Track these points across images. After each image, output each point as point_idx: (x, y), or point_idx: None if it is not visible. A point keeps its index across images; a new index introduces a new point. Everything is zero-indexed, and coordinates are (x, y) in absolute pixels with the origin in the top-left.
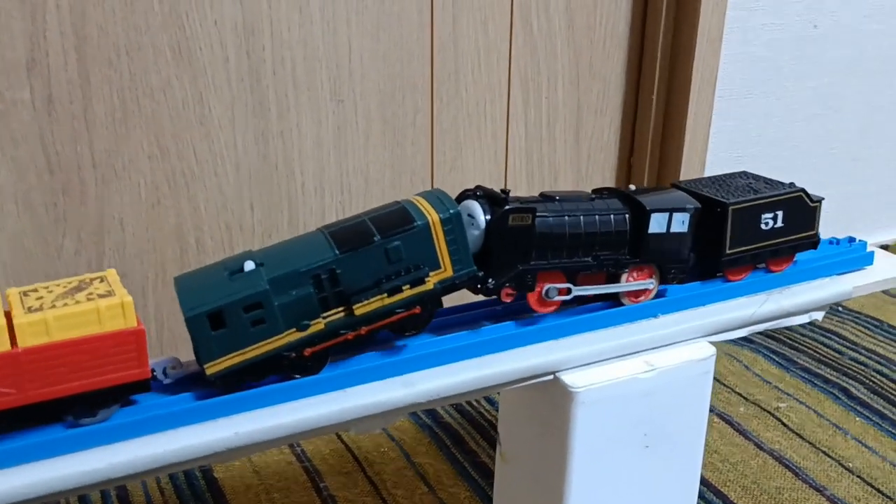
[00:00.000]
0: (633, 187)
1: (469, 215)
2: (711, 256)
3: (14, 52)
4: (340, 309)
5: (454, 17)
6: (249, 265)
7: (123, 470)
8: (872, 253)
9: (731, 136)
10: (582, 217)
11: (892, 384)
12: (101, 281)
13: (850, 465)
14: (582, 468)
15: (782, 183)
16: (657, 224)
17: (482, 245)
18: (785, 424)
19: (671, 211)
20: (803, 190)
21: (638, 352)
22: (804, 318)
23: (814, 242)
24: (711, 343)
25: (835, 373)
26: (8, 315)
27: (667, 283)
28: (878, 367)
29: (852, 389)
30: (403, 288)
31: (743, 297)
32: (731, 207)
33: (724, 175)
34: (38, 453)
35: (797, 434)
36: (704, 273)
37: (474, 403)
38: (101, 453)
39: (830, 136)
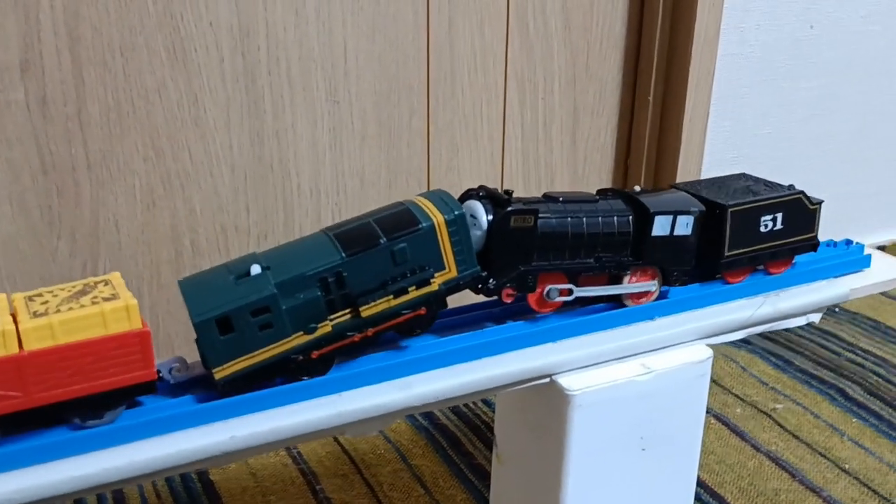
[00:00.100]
0: (637, 188)
1: (471, 216)
2: (710, 258)
3: (7, 53)
4: (347, 311)
5: (450, 18)
6: (256, 269)
7: (130, 472)
8: (870, 256)
9: (727, 137)
10: (585, 218)
11: (889, 385)
12: (106, 284)
13: (847, 466)
14: (578, 471)
15: (782, 185)
16: (661, 227)
17: (484, 245)
18: (782, 426)
19: (675, 213)
20: (803, 192)
21: (635, 354)
22: (801, 321)
23: (813, 245)
24: (708, 345)
25: (832, 374)
26: (14, 319)
27: (669, 285)
28: (875, 368)
29: (849, 391)
30: (409, 289)
31: (740, 300)
32: (730, 209)
33: (724, 177)
34: (45, 455)
35: (794, 435)
36: (703, 275)
37: (471, 405)
38: (108, 455)
39: (827, 136)
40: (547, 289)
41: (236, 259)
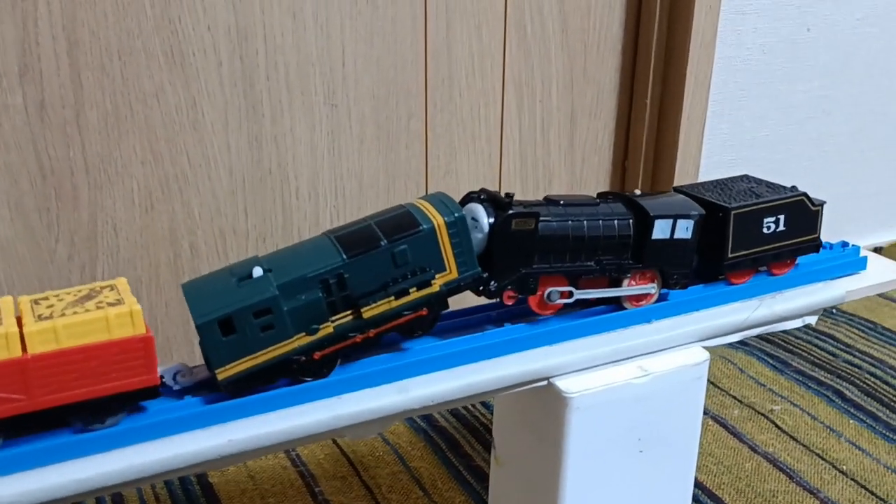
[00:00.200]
0: (638, 192)
1: (473, 218)
2: (713, 260)
3: (6, 58)
4: (348, 312)
5: (448, 21)
6: (258, 271)
7: (130, 475)
8: (865, 258)
9: (724, 140)
10: (585, 222)
11: (885, 387)
12: (111, 289)
13: (844, 467)
14: (576, 473)
15: (784, 187)
16: (661, 230)
17: (485, 248)
18: (779, 427)
19: (675, 217)
20: (805, 194)
21: (632, 357)
22: (798, 323)
23: (815, 246)
24: (705, 347)
25: (829, 375)
26: (19, 322)
27: (669, 288)
28: (872, 369)
29: (846, 392)
30: (410, 291)
31: (736, 303)
32: (733, 212)
33: (726, 179)
34: (48, 458)
35: (791, 437)
36: (706, 276)
37: (470, 408)
38: (110, 458)
39: (823, 138)
40: (548, 291)
41: (238, 262)
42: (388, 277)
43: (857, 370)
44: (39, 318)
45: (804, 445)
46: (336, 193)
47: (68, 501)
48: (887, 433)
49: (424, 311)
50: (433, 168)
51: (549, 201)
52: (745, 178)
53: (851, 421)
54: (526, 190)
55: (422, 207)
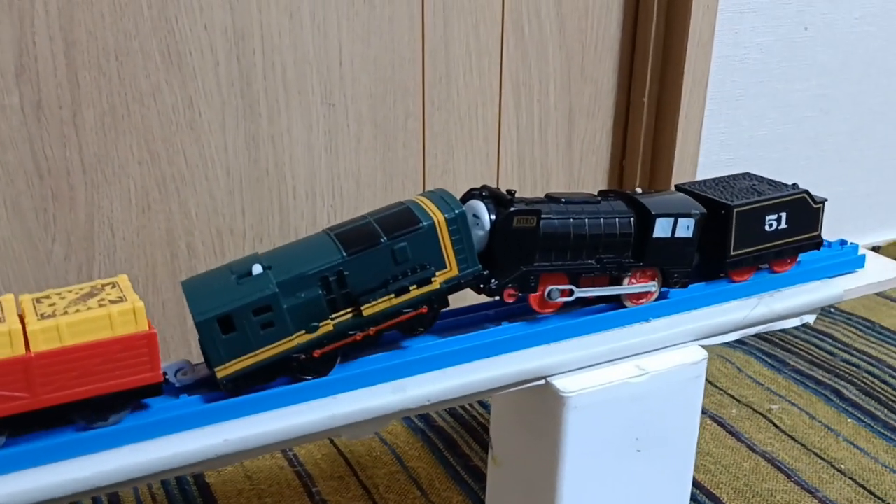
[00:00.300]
0: (639, 190)
1: (474, 215)
2: (716, 258)
3: (2, 58)
4: (348, 310)
5: (445, 20)
6: (257, 269)
7: (126, 474)
8: (864, 256)
9: (722, 139)
10: (587, 220)
11: (883, 385)
12: (113, 287)
13: (843, 466)
14: (573, 472)
15: (785, 184)
16: (662, 229)
17: (486, 245)
18: (777, 426)
19: (676, 216)
20: (806, 191)
21: (629, 356)
22: (796, 321)
23: (817, 243)
24: (703, 346)
25: (827, 374)
26: (21, 320)
27: (669, 286)
28: (870, 368)
29: (844, 391)
30: (410, 288)
31: (734, 301)
32: (735, 209)
33: (728, 176)
34: (51, 456)
35: (789, 436)
36: (709, 274)
37: (467, 407)
38: (113, 456)
39: (821, 138)
40: (548, 289)
41: (238, 260)
42: (389, 275)
43: (855, 369)
44: (42, 316)
45: (802, 445)
46: (333, 193)
47: (65, 501)
48: (885, 432)
49: (425, 309)
50: (431, 167)
51: (551, 199)
52: (747, 176)
53: (850, 420)
54: (524, 189)
55: (422, 204)
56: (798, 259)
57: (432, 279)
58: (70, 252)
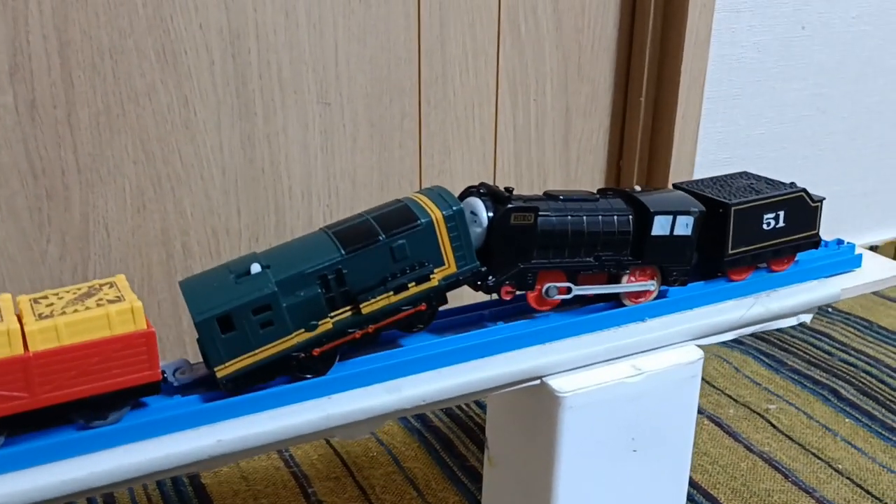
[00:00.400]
0: (638, 188)
1: (472, 212)
2: (714, 257)
3: None
4: (347, 308)
5: (441, 20)
6: (256, 268)
7: (121, 475)
8: (861, 256)
9: (719, 138)
10: (585, 217)
11: (881, 385)
12: (111, 287)
13: (840, 466)
14: (569, 472)
15: (783, 183)
16: (660, 226)
17: (484, 242)
18: (775, 426)
19: (675, 214)
20: (804, 190)
21: (625, 356)
22: (792, 321)
23: (815, 242)
24: (700, 346)
25: (824, 374)
26: (19, 320)
27: (668, 285)
28: (868, 368)
29: (842, 391)
30: (409, 285)
31: (731, 300)
32: (733, 208)
33: (726, 175)
34: (50, 456)
35: (787, 436)
36: (706, 273)
37: (464, 407)
38: (112, 455)
39: (818, 137)
40: (546, 287)
41: (236, 259)
42: (387, 272)
43: (852, 369)
44: (40, 316)
45: (800, 444)
46: (329, 193)
47: (64, 500)
48: (883, 432)
49: (423, 306)
50: (427, 167)
51: (549, 196)
52: (745, 175)
53: (847, 420)
54: (520, 189)
55: (419, 201)
56: (796, 258)
57: (431, 276)
58: (65, 252)
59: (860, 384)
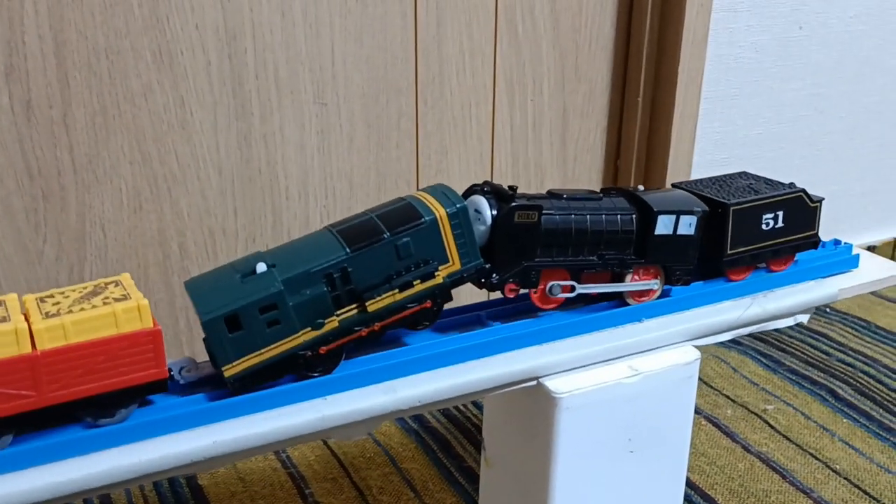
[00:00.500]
0: (641, 188)
1: (476, 210)
2: (713, 257)
3: None
4: (353, 306)
5: (438, 19)
6: (261, 267)
7: (143, 469)
8: (858, 256)
9: (717, 138)
10: (588, 216)
11: (879, 385)
12: (116, 285)
13: (838, 466)
14: (566, 473)
15: (782, 183)
16: (664, 226)
17: (488, 240)
18: (772, 427)
19: (678, 213)
20: (803, 190)
21: (622, 356)
22: (790, 321)
23: (814, 242)
24: (697, 346)
25: (822, 374)
26: (26, 319)
27: (671, 284)
28: (866, 368)
29: (839, 391)
30: (414, 283)
31: (728, 301)
32: (732, 208)
33: (725, 175)
34: (58, 454)
35: (784, 436)
36: (706, 273)
37: (461, 408)
38: (120, 453)
39: (816, 137)
40: (549, 285)
41: (241, 258)
42: (392, 270)
43: (850, 369)
44: (47, 315)
45: (797, 445)
46: (326, 193)
47: (81, 496)
48: (881, 432)
49: (428, 304)
50: (424, 167)
51: (553, 195)
52: (744, 175)
53: (845, 420)
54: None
55: (423, 199)
56: (795, 258)
57: (435, 274)
58: (61, 253)
59: (858, 384)
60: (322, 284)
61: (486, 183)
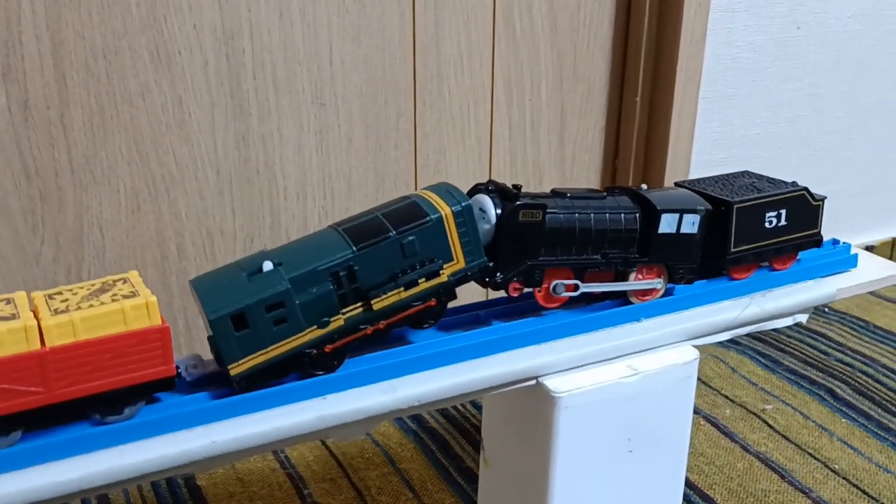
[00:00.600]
0: (644, 186)
1: (480, 209)
2: (716, 255)
3: None
4: (359, 304)
5: (436, 19)
6: (268, 265)
7: (112, 476)
8: (856, 255)
9: (715, 138)
10: (592, 215)
11: (877, 385)
12: (125, 282)
13: (836, 466)
14: (565, 473)
15: (785, 182)
16: (667, 224)
17: (492, 239)
18: (771, 426)
19: (682, 212)
20: (806, 189)
21: (621, 356)
22: (788, 321)
23: (817, 241)
24: (696, 346)
25: (821, 374)
26: (35, 316)
27: (675, 283)
28: (864, 368)
29: (838, 391)
30: (419, 281)
31: (726, 301)
32: (735, 206)
33: (727, 174)
34: (65, 451)
35: (783, 436)
36: (709, 272)
37: (460, 408)
38: (128, 451)
39: (814, 137)
40: (553, 284)
41: (246, 257)
42: (398, 268)
43: (849, 369)
44: (56, 311)
45: (796, 445)
46: (324, 193)
47: (88, 494)
48: (879, 432)
49: (433, 302)
50: (422, 167)
51: (556, 194)
52: (746, 174)
53: (843, 420)
54: None
55: (428, 198)
56: (798, 257)
57: (440, 272)
58: (59, 254)
59: (856, 384)
60: (328, 283)
61: (490, 182)
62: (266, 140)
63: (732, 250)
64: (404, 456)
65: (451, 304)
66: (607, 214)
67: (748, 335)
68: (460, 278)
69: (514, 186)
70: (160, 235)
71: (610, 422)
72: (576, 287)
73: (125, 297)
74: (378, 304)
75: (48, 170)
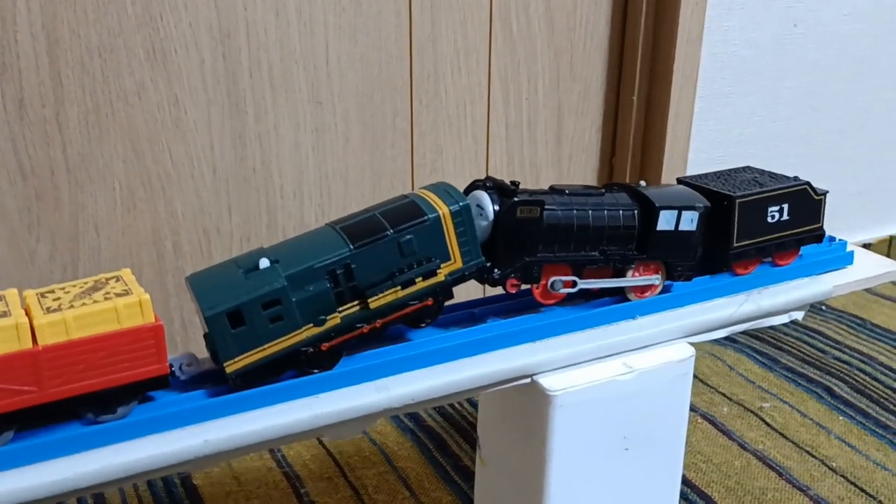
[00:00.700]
0: (643, 183)
1: (478, 206)
2: (719, 250)
3: None
4: (356, 303)
5: (433, 18)
6: (264, 262)
7: (137, 468)
8: (852, 252)
9: (712, 136)
10: (590, 211)
11: (875, 383)
12: (117, 280)
13: (834, 464)
14: (561, 471)
15: (787, 177)
16: (666, 221)
17: (490, 235)
18: (769, 424)
19: (680, 209)
20: (808, 183)
21: (616, 354)
22: (784, 318)
23: (819, 235)
24: (692, 343)
25: (818, 372)
26: (27, 314)
27: (673, 280)
28: (862, 365)
29: (836, 388)
30: (416, 280)
31: (722, 298)
32: (738, 201)
33: (729, 170)
34: (58, 451)
35: (781, 434)
36: (712, 267)
37: (456, 406)
38: (113, 452)
39: (811, 135)
40: (551, 280)
41: (243, 254)
42: (395, 267)
43: (846, 366)
44: (48, 310)
45: (794, 442)
46: (321, 192)
47: (82, 493)
48: (877, 429)
49: (430, 301)
50: (419, 166)
51: (555, 191)
52: (748, 169)
53: (841, 417)
54: None
55: (426, 197)
56: (800, 252)
57: (437, 271)
58: (54, 252)
59: (854, 382)
60: (325, 281)
61: (488, 178)
62: (262, 138)
63: (735, 245)
64: (401, 454)
65: (447, 302)
66: (605, 211)
67: (745, 333)
68: (457, 278)
69: (512, 183)
70: (156, 234)
71: (606, 420)
72: (574, 283)
73: (118, 295)
74: (375, 302)
75: (43, 168)
